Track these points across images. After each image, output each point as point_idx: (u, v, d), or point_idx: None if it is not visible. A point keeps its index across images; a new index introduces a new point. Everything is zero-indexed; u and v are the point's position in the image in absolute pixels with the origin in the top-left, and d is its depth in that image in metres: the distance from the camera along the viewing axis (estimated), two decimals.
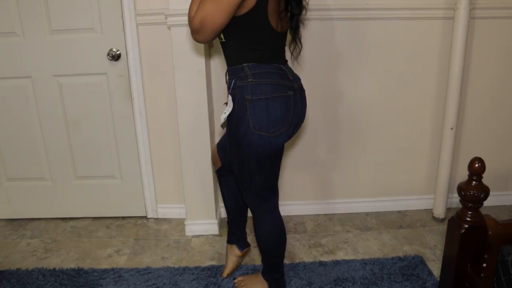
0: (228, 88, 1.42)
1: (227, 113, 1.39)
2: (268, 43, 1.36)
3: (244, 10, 1.27)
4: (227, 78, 1.44)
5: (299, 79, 1.48)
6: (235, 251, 1.84)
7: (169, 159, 2.27)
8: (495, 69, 2.17)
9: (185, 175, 2.12)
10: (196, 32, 1.29)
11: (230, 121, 1.41)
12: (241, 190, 1.53)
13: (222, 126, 1.53)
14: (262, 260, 1.67)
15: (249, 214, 2.31)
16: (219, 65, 2.09)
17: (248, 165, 1.42)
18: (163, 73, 2.12)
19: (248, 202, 1.54)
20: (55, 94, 2.16)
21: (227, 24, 1.28)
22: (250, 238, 2.14)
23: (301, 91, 1.47)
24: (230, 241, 1.84)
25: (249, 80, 1.35)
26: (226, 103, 1.53)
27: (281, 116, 1.36)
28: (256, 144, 1.37)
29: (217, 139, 2.21)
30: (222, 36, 1.37)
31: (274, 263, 1.64)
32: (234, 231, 1.82)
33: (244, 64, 1.36)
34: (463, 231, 1.32)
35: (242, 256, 1.87)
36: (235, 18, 1.28)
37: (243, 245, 1.84)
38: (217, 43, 2.05)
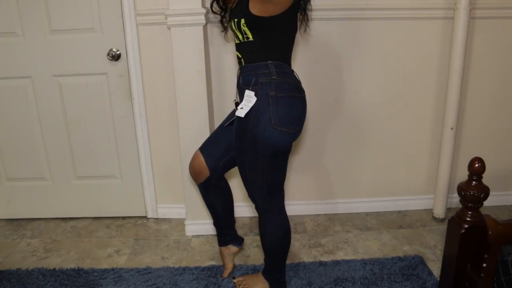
0: (246, 85, 1.44)
1: (247, 109, 1.40)
2: (290, 44, 1.44)
3: (280, 9, 1.34)
4: (243, 75, 1.47)
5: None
6: (232, 249, 1.84)
7: (169, 159, 2.27)
8: (495, 69, 2.17)
9: (185, 175, 2.12)
10: None
11: (247, 118, 1.41)
12: (251, 189, 1.54)
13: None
14: (265, 260, 1.67)
15: (246, 215, 2.32)
16: (219, 65, 2.09)
17: (262, 162, 1.44)
18: (163, 73, 2.12)
19: (258, 201, 1.55)
20: (55, 94, 2.16)
21: (259, 25, 1.36)
22: (250, 238, 2.15)
23: None
24: (224, 243, 1.83)
25: (273, 77, 1.40)
26: (235, 101, 1.54)
27: (300, 115, 1.43)
28: (275, 140, 1.40)
29: None
30: (249, 35, 1.40)
31: (277, 263, 1.64)
32: (227, 232, 1.81)
33: (268, 62, 1.40)
34: (463, 231, 1.32)
35: (239, 252, 1.89)
36: (272, 18, 1.35)
37: (239, 241, 1.85)
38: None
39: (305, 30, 1.55)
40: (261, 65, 1.41)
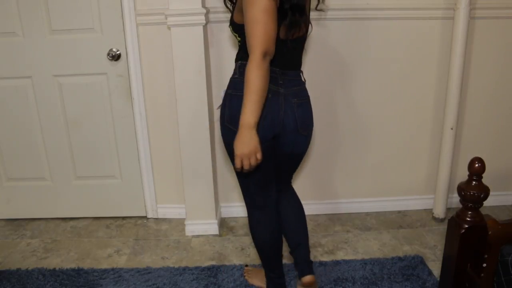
0: None
1: (218, 104, 1.47)
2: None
3: None
4: None
5: (296, 85, 1.44)
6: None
7: (169, 159, 2.27)
8: (495, 69, 2.17)
9: (185, 175, 2.12)
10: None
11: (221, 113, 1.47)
12: None
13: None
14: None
15: (246, 215, 2.32)
16: (219, 65, 2.09)
17: (231, 159, 1.45)
18: (163, 73, 2.12)
19: (243, 195, 1.59)
20: (55, 94, 2.16)
21: (242, 32, 1.34)
22: (250, 238, 2.15)
23: (291, 97, 1.41)
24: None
25: (235, 76, 1.42)
26: None
27: None
28: (227, 137, 1.42)
29: (217, 139, 2.21)
30: (239, 39, 1.44)
31: (266, 261, 1.65)
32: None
33: (239, 62, 1.42)
34: (463, 231, 1.32)
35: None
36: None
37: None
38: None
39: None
40: (235, 65, 1.45)
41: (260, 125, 1.29)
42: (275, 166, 1.52)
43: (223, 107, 1.43)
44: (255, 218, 1.58)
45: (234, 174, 2.29)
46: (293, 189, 1.70)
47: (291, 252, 1.68)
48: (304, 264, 1.61)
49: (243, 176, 1.47)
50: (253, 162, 1.26)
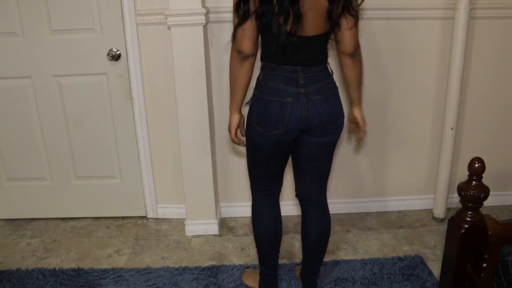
0: None
1: (247, 100, 1.50)
2: (282, 46, 1.34)
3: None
4: None
5: (319, 81, 1.42)
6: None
7: (169, 159, 2.27)
8: (495, 69, 2.17)
9: (185, 175, 2.12)
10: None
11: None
12: None
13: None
14: None
15: (247, 215, 2.32)
16: (219, 65, 2.09)
17: (248, 152, 1.55)
18: (163, 73, 2.12)
19: None
20: (55, 94, 2.16)
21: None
22: (251, 238, 2.14)
23: (313, 95, 1.40)
24: None
25: (260, 77, 1.43)
26: None
27: (275, 119, 1.40)
28: (254, 136, 1.47)
29: (217, 139, 2.21)
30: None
31: (262, 256, 1.66)
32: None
33: (262, 62, 1.43)
34: (463, 231, 1.32)
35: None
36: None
37: None
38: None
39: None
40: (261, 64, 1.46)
41: (285, 125, 1.41)
42: (299, 165, 1.57)
43: (251, 106, 1.46)
44: (258, 201, 1.62)
45: (235, 174, 2.31)
46: (327, 208, 1.64)
47: (302, 268, 1.72)
48: (308, 283, 1.71)
49: (251, 165, 1.58)
50: (230, 136, 1.56)
